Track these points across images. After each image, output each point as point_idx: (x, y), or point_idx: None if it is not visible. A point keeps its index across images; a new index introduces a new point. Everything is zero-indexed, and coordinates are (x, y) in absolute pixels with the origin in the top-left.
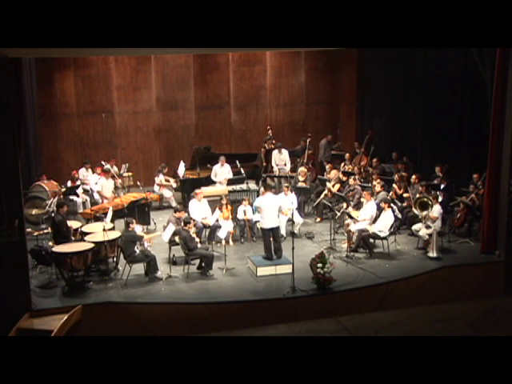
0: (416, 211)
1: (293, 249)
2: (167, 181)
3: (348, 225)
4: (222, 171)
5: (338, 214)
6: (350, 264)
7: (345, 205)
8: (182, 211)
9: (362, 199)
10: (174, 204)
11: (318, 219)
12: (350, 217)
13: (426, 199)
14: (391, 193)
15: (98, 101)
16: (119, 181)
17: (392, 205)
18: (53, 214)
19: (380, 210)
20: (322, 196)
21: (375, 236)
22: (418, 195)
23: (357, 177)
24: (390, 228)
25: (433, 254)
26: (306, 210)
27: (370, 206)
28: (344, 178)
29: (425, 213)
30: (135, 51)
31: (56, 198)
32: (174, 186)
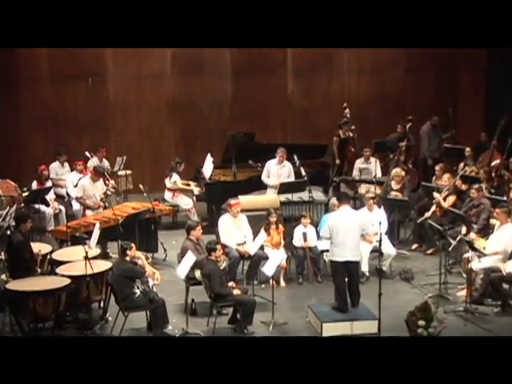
0: None
1: (379, 295)
2: (186, 185)
3: (469, 260)
4: (279, 171)
5: (454, 242)
6: (471, 323)
7: (464, 229)
8: (198, 228)
9: (491, 220)
10: (194, 219)
11: (431, 251)
12: (473, 248)
13: None
14: None
15: (81, 58)
16: (111, 182)
17: None
18: (8, 232)
19: None
20: (429, 214)
21: None
22: None
23: (484, 185)
24: None
25: None
26: (402, 236)
27: (505, 232)
28: (463, 187)
29: None
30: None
31: (14, 207)
32: (196, 192)
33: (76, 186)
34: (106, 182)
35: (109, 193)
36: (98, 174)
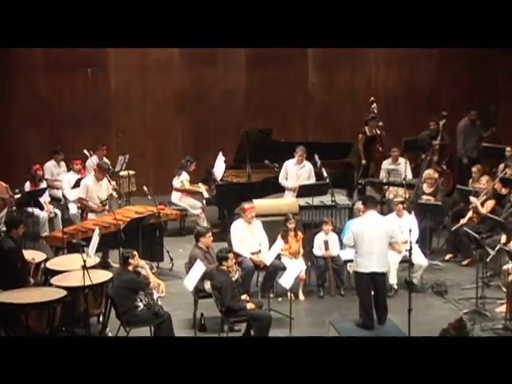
0: None
1: (409, 311)
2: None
3: (509, 272)
4: (299, 172)
5: (492, 252)
6: None
7: (504, 237)
8: (208, 235)
9: None
10: (204, 225)
11: (467, 261)
12: None
13: None
14: None
15: None
16: (113, 184)
17: None
18: None
19: None
20: (465, 220)
21: None
22: None
23: None
24: None
25: None
26: (435, 245)
27: None
28: (503, 191)
29: None
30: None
31: (5, 211)
32: (206, 195)
33: (74, 186)
34: (110, 183)
35: (114, 195)
36: (102, 170)
